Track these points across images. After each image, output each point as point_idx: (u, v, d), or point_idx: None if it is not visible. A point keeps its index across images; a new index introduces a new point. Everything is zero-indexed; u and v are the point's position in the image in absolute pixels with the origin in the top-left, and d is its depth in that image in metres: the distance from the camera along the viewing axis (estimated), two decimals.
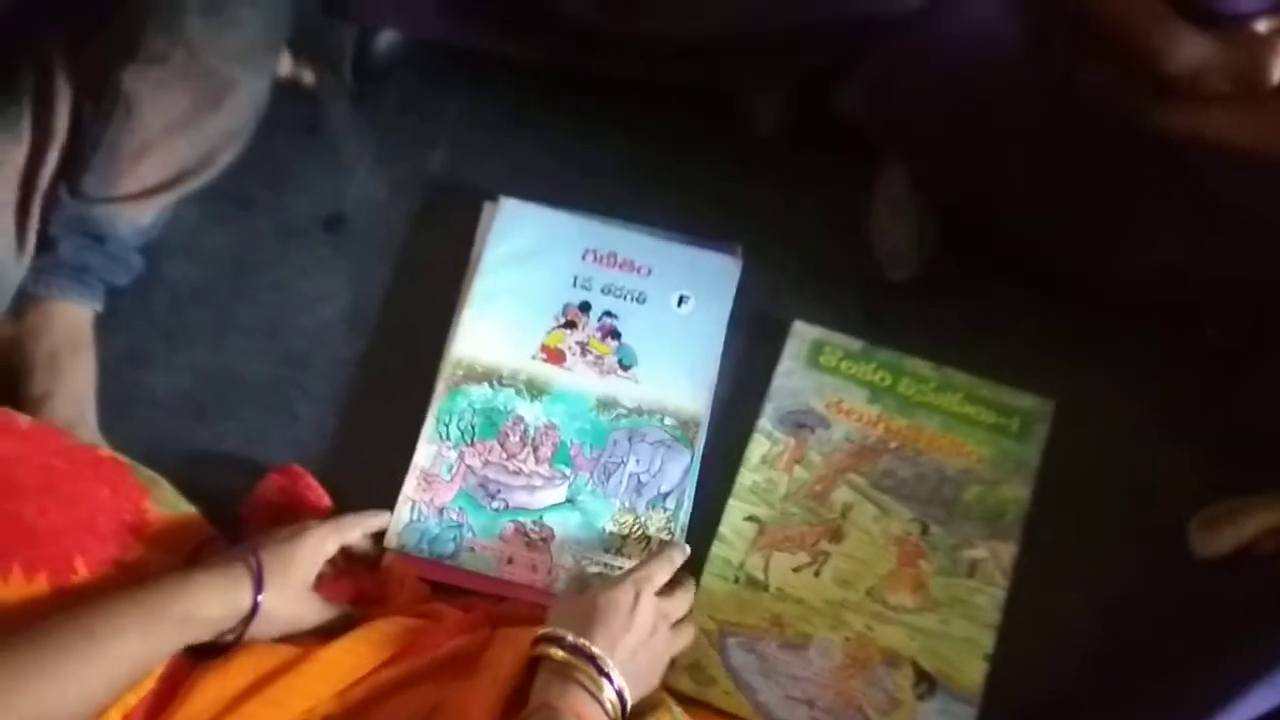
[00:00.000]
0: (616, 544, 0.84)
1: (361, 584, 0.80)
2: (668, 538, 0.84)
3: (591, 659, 0.69)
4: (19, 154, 0.84)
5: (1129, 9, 0.82)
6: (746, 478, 0.86)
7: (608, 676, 0.68)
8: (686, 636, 0.77)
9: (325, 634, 0.75)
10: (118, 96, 0.83)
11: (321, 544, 0.75)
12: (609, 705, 0.68)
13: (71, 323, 0.86)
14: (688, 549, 0.80)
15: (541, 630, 0.71)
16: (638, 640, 0.72)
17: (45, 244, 0.85)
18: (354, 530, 0.79)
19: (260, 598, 0.70)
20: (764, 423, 0.88)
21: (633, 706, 0.71)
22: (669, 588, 0.77)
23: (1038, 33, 0.85)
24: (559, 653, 0.69)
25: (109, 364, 0.88)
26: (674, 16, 0.88)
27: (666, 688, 0.77)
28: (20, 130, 0.84)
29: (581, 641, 0.69)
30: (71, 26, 0.86)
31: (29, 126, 0.84)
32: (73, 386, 0.85)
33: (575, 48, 0.91)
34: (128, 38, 0.83)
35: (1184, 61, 0.81)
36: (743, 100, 0.98)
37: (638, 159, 0.98)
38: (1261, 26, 0.81)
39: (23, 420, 0.76)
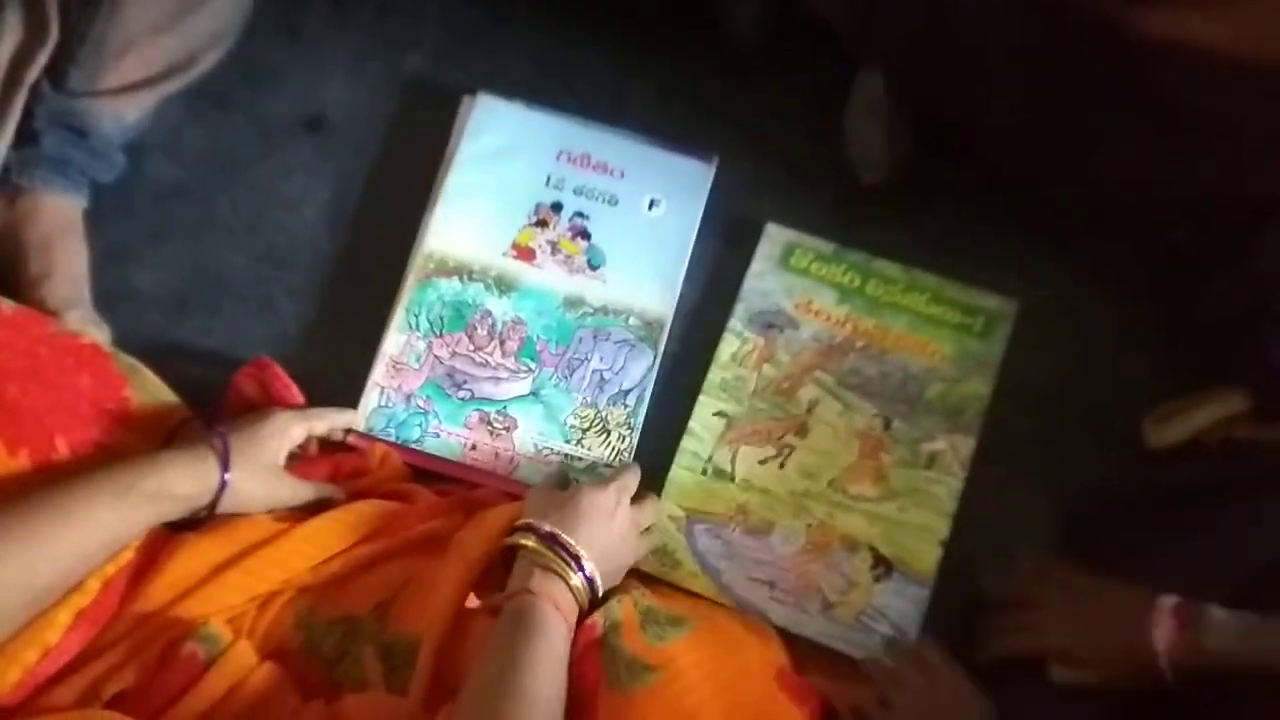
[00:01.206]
0: (577, 436, 0.87)
1: (338, 464, 0.83)
2: (626, 433, 0.87)
3: (567, 549, 0.72)
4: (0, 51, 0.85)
5: None
6: (716, 375, 0.88)
7: (581, 568, 0.71)
8: (647, 544, 0.81)
9: (305, 513, 0.78)
10: None
11: (287, 426, 0.78)
12: (578, 592, 0.71)
13: (61, 211, 0.88)
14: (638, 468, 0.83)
15: (521, 520, 0.74)
16: (612, 541, 0.75)
17: (30, 137, 0.86)
18: (320, 422, 0.82)
19: (227, 475, 0.72)
20: (735, 322, 0.90)
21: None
22: (638, 499, 0.80)
23: None
24: (537, 543, 0.72)
25: (93, 260, 0.90)
26: None
27: (634, 570, 0.80)
28: (1, 29, 0.85)
29: (561, 534, 0.72)
30: None
31: (16, 25, 0.85)
32: (68, 268, 0.87)
33: None
34: None
35: None
36: (720, 4, 0.98)
37: (616, 62, 0.98)
38: None
39: (6, 306, 0.78)
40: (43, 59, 0.86)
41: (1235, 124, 0.81)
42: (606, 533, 0.75)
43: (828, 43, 0.93)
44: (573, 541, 0.72)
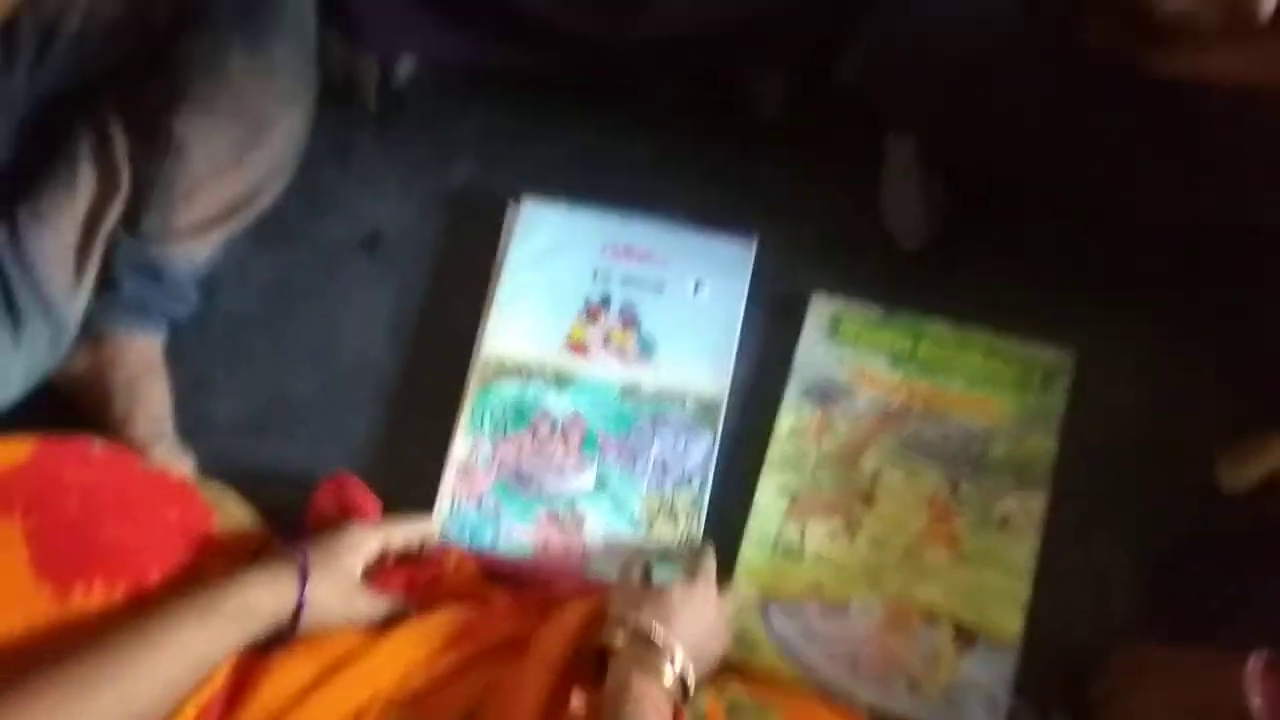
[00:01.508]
0: (646, 524, 0.88)
1: (414, 573, 0.85)
2: (695, 515, 0.88)
3: (661, 645, 0.72)
4: (76, 205, 0.91)
5: None
6: (777, 450, 0.89)
7: (674, 664, 0.72)
8: (730, 633, 0.81)
9: (384, 625, 0.80)
10: (170, 141, 0.90)
11: (363, 540, 0.80)
12: (672, 690, 0.71)
13: (143, 352, 0.93)
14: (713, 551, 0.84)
15: (610, 616, 0.75)
16: (703, 633, 0.75)
17: (109, 284, 0.92)
18: (397, 533, 0.83)
19: (306, 589, 0.74)
20: (790, 396, 0.90)
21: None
22: (720, 587, 0.80)
23: None
24: (631, 640, 0.72)
25: (176, 393, 0.94)
26: (663, 16, 0.91)
27: None
28: (76, 183, 0.91)
29: (654, 631, 0.72)
30: (122, 86, 0.93)
31: (89, 179, 0.91)
32: (151, 407, 0.91)
33: (578, 54, 0.95)
34: (176, 86, 0.90)
35: (1176, 3, 0.81)
36: (749, 85, 1.00)
37: (652, 152, 1.01)
38: None
39: (98, 448, 0.82)
40: (117, 209, 0.91)
41: (1263, 156, 0.80)
42: (698, 622, 0.75)
43: (857, 113, 0.94)
44: (667, 636, 0.72)
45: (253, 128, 0.93)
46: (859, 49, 0.90)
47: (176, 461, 0.89)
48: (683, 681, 0.72)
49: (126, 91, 0.93)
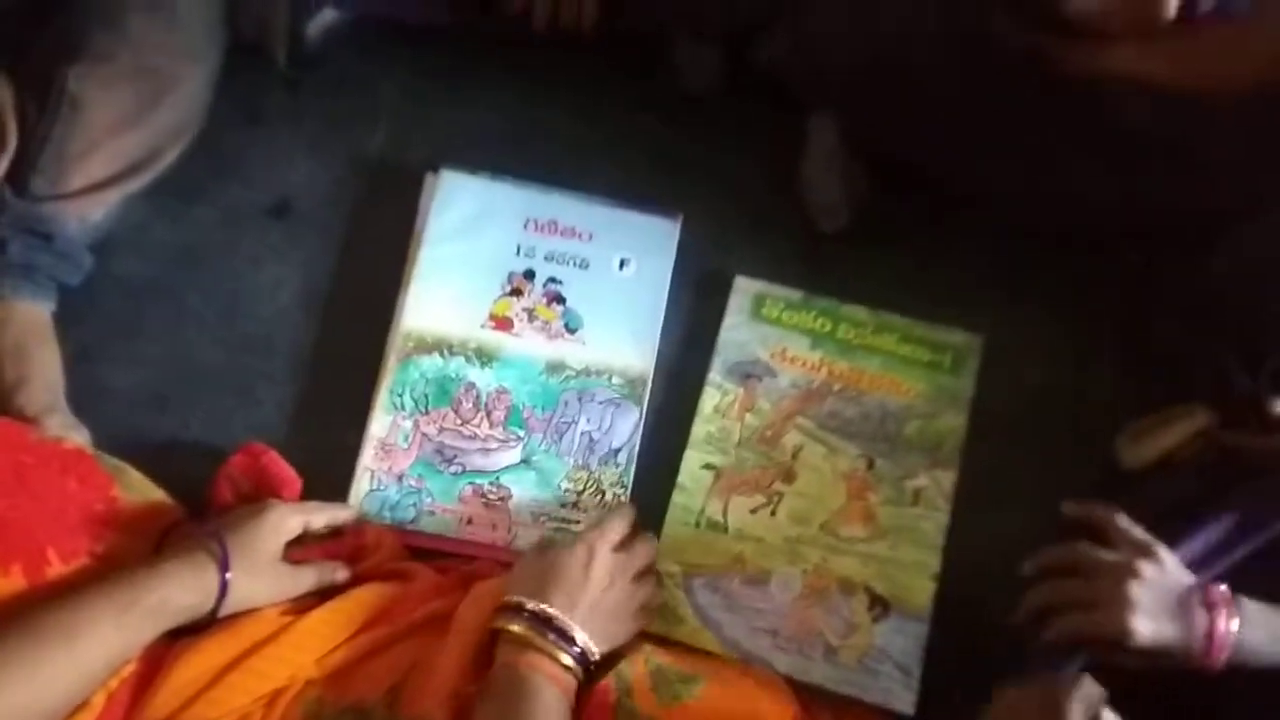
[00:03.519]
0: (572, 500, 0.88)
1: (332, 549, 0.82)
2: (621, 491, 0.88)
3: (550, 622, 0.72)
4: None
5: None
6: (701, 428, 0.90)
7: (568, 636, 0.72)
8: (648, 586, 0.81)
9: (307, 601, 0.78)
10: (63, 96, 0.85)
11: (283, 520, 0.77)
12: (571, 663, 0.72)
13: (31, 317, 0.87)
14: (634, 507, 0.84)
15: (503, 599, 0.74)
16: (595, 594, 0.75)
17: None
18: (318, 516, 0.81)
19: (228, 577, 0.72)
20: (714, 375, 0.92)
21: (608, 652, 0.75)
22: (627, 542, 0.80)
23: None
24: (519, 625, 0.72)
25: (66, 362, 0.89)
26: None
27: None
28: None
29: (540, 607, 0.72)
30: (8, 36, 0.87)
31: None
32: (43, 374, 0.86)
33: (506, 11, 0.93)
34: (71, 38, 0.85)
35: (1085, 3, 0.85)
36: (677, 57, 1.00)
37: (577, 126, 1.00)
38: None
39: None
40: (3, 167, 0.86)
41: (1170, 147, 0.86)
42: (581, 587, 0.74)
43: (781, 94, 0.96)
44: (547, 607, 0.72)
45: (153, 85, 0.89)
46: (783, 28, 0.92)
47: (72, 433, 0.84)
48: (583, 653, 0.73)
49: (13, 42, 0.87)
